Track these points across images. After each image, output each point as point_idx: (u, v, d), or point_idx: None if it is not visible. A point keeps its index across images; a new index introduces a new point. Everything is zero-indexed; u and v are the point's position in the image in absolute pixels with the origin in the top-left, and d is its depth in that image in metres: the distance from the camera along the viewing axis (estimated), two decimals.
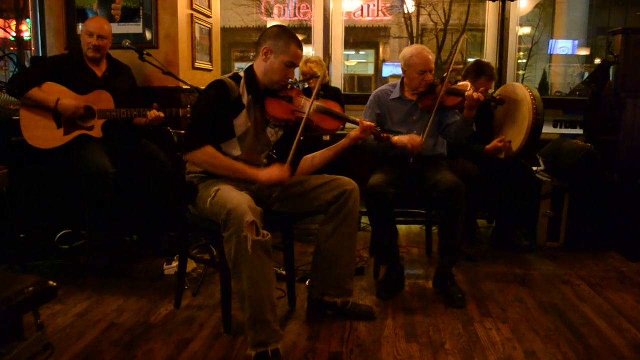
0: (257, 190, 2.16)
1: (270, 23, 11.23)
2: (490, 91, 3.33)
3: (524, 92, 3.03)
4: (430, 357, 2.02)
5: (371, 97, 2.90)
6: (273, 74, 2.16)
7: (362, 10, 10.64)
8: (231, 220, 1.85)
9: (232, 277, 1.92)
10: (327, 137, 3.17)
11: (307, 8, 10.74)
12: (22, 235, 2.95)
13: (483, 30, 5.02)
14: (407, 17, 12.07)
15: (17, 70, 4.21)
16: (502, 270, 3.01)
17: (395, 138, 2.63)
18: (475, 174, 2.92)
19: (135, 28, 3.35)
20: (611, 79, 3.58)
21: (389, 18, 11.76)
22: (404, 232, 3.76)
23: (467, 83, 2.79)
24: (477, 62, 3.29)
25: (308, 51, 5.51)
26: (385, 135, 2.35)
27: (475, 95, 2.53)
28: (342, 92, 4.27)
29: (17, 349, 1.53)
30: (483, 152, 3.09)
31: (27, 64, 4.82)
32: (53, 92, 2.81)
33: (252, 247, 1.82)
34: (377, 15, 11.02)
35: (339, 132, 2.65)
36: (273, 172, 2.07)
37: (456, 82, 2.95)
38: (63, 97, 2.80)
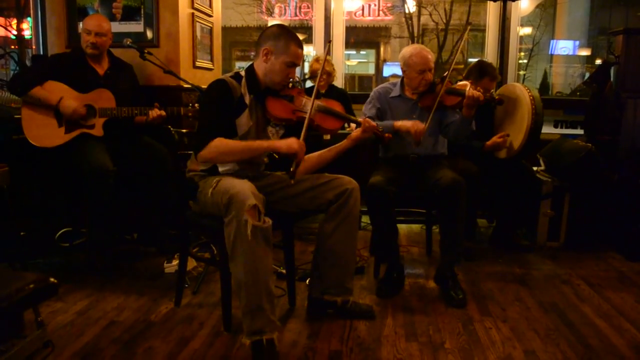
0: (258, 187, 2.16)
1: (271, 22, 11.23)
2: (492, 91, 3.33)
3: (523, 92, 3.03)
4: (430, 356, 2.03)
5: (372, 93, 2.91)
6: (274, 74, 2.16)
7: (362, 9, 10.66)
8: (233, 203, 1.85)
9: (230, 261, 1.92)
10: (328, 137, 3.18)
11: (308, 7, 10.75)
12: (22, 233, 2.94)
13: (484, 30, 5.02)
14: (408, 17, 12.08)
15: (17, 68, 4.22)
16: (502, 269, 3.01)
17: (398, 123, 2.63)
18: (476, 174, 2.92)
19: (136, 27, 3.35)
20: (612, 79, 3.58)
21: (389, 18, 11.78)
22: (404, 231, 3.77)
23: (467, 83, 2.79)
24: (479, 62, 3.29)
25: (309, 50, 5.51)
26: (387, 135, 2.35)
27: (475, 94, 2.54)
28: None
29: (17, 346, 1.53)
30: (483, 149, 3.09)
31: (28, 63, 4.82)
32: (55, 91, 2.82)
33: (251, 231, 1.82)
34: (378, 15, 11.04)
35: (339, 132, 2.65)
36: (292, 141, 2.06)
37: (456, 82, 2.95)
38: (65, 95, 2.81)
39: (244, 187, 1.89)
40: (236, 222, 1.84)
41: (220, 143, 2.04)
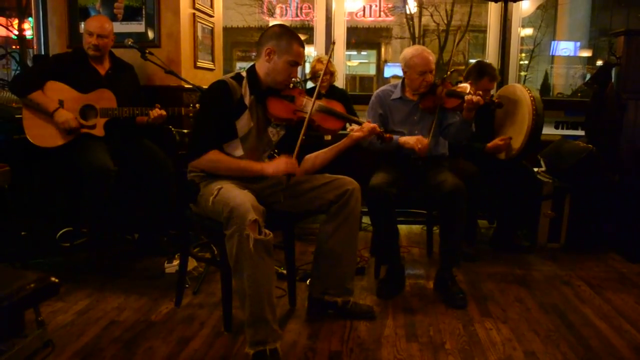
0: (258, 189, 2.17)
1: (272, 23, 11.24)
2: (492, 91, 3.33)
3: (524, 93, 3.03)
4: (430, 356, 2.03)
5: (372, 98, 2.90)
6: (277, 74, 2.16)
7: (364, 10, 10.65)
8: (233, 218, 1.85)
9: (233, 275, 1.92)
10: (329, 137, 3.17)
11: (309, 8, 10.76)
12: (23, 233, 2.95)
13: (485, 31, 5.01)
14: (409, 18, 12.09)
15: (19, 68, 4.22)
16: (503, 270, 3.01)
17: (402, 139, 2.64)
18: (475, 174, 2.92)
19: (137, 27, 3.36)
20: (613, 80, 3.58)
21: (390, 18, 11.78)
22: (405, 231, 3.77)
23: (467, 85, 2.79)
24: (479, 62, 3.29)
25: (310, 51, 5.51)
26: (388, 135, 2.34)
27: (475, 98, 2.54)
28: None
29: (18, 346, 1.53)
30: (484, 151, 3.10)
31: (29, 63, 4.83)
32: (55, 91, 2.82)
33: (253, 245, 1.83)
34: (379, 16, 11.03)
35: (340, 132, 2.65)
36: (279, 164, 2.07)
37: (457, 83, 2.95)
38: (65, 96, 2.81)
39: (244, 200, 1.89)
40: (238, 237, 1.84)
41: (214, 157, 2.06)
